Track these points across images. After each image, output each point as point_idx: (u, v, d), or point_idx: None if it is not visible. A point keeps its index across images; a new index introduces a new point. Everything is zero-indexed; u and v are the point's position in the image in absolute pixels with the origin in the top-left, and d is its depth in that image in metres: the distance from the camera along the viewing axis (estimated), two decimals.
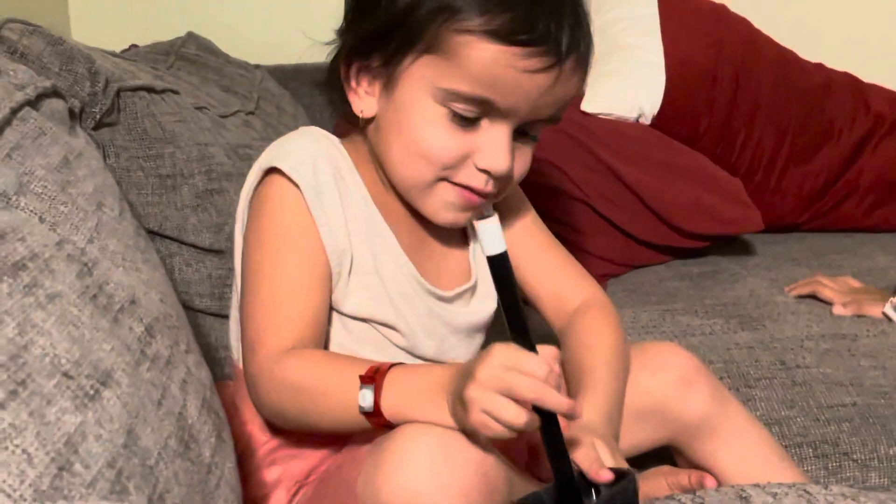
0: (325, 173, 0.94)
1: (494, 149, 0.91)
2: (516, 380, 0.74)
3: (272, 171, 0.93)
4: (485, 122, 0.91)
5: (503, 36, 0.86)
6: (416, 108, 0.91)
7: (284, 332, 0.89)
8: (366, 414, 0.81)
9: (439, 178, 0.93)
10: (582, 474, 0.82)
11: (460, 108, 0.89)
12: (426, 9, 0.89)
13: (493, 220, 0.78)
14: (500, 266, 0.79)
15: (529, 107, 0.90)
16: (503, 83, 0.88)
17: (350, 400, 0.82)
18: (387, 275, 0.97)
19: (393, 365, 0.83)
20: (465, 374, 0.77)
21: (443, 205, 0.95)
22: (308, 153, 0.94)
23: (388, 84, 0.93)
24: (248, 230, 0.95)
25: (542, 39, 0.87)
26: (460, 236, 1.06)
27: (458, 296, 1.02)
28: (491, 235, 0.78)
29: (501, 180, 0.94)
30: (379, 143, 0.96)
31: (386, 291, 0.96)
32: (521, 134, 0.94)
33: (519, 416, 0.74)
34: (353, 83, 0.96)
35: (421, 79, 0.90)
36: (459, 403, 0.77)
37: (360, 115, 0.96)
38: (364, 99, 0.96)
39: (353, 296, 0.95)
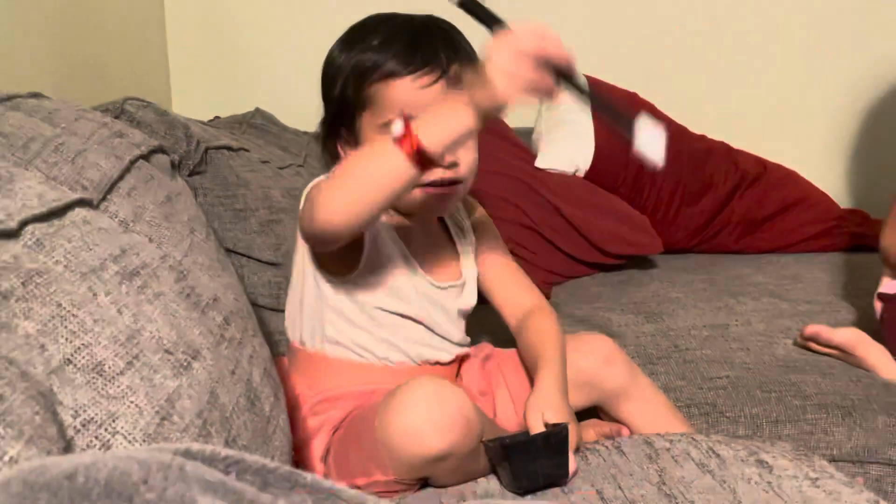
0: None
1: None
2: (523, 39, 0.71)
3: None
4: None
5: (393, 74, 0.89)
6: None
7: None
8: (399, 140, 0.75)
9: (413, 188, 0.90)
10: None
11: None
12: (349, 82, 0.92)
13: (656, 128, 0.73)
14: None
15: None
16: (413, 102, 0.87)
17: (385, 146, 0.77)
18: (398, 267, 0.96)
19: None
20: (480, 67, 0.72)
21: (425, 204, 0.94)
22: None
23: (357, 144, 0.94)
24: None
25: (423, 62, 0.89)
26: (451, 249, 1.05)
27: (450, 287, 1.01)
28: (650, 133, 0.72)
29: (453, 171, 0.92)
30: None
31: (395, 276, 0.96)
32: None
33: (534, 71, 0.70)
34: (343, 155, 0.97)
35: (370, 126, 0.92)
36: (479, 83, 0.71)
37: None
38: None
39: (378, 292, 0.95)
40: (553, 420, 0.85)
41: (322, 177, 0.94)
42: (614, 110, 0.74)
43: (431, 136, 0.74)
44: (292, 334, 1.00)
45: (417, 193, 0.92)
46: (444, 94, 0.88)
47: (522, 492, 0.80)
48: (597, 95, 0.73)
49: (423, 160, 0.75)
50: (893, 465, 1.08)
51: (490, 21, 0.75)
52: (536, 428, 0.86)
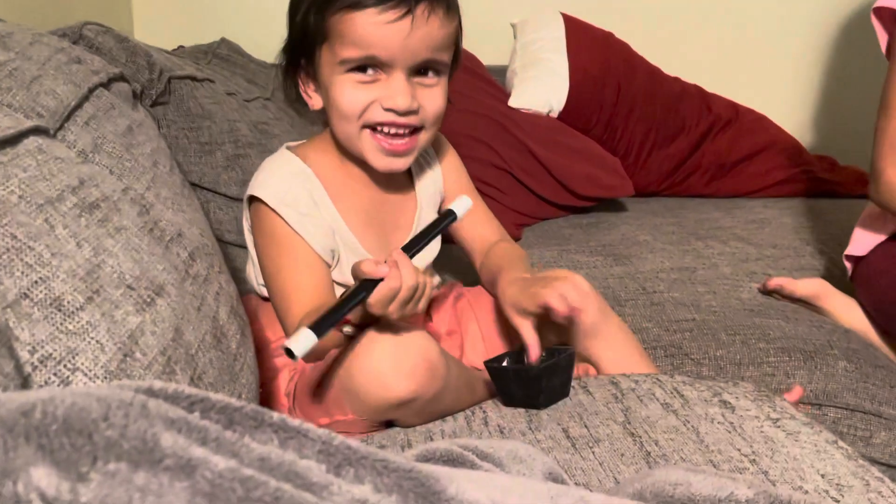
0: (303, 199, 0.91)
1: (393, 91, 0.86)
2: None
3: (260, 199, 0.90)
4: (381, 75, 0.87)
5: (359, 5, 0.84)
6: (333, 84, 0.88)
7: (296, 312, 0.87)
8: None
9: (362, 128, 0.89)
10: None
11: (354, 68, 0.86)
12: (311, 15, 0.87)
13: (468, 201, 0.85)
14: (446, 219, 0.84)
15: (404, 51, 0.85)
16: (374, 38, 0.84)
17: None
18: (349, 257, 0.94)
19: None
20: None
21: (371, 152, 0.90)
22: (286, 186, 0.91)
23: (316, 78, 0.91)
24: (256, 244, 0.93)
25: None
26: (411, 200, 1.02)
27: None
28: (464, 206, 0.84)
29: (414, 116, 0.88)
30: (330, 124, 0.93)
31: (349, 265, 0.94)
32: (421, 75, 0.89)
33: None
34: (303, 89, 0.94)
35: (328, 63, 0.88)
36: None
37: (313, 109, 0.94)
38: (313, 97, 0.93)
39: (335, 272, 0.94)
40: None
41: (257, 184, 0.91)
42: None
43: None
44: (251, 280, 0.99)
45: (368, 139, 0.89)
46: (411, 31, 0.84)
47: (542, 407, 0.84)
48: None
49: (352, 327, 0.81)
50: (850, 409, 1.11)
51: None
52: (525, 328, 0.89)
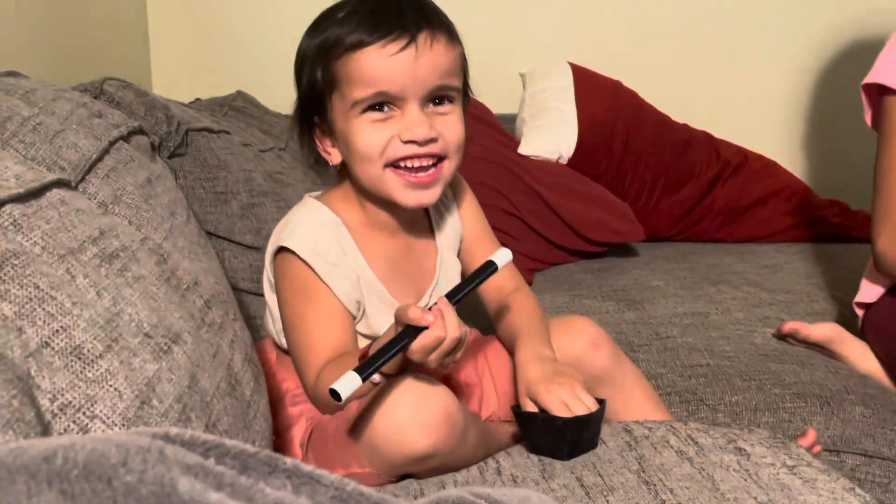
0: (332, 249, 0.90)
1: (409, 123, 0.86)
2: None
3: (288, 249, 0.89)
4: (395, 111, 0.87)
5: (359, 45, 0.84)
6: (349, 130, 0.88)
7: (317, 364, 0.86)
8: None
9: (385, 167, 0.88)
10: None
11: (368, 108, 0.86)
12: (316, 63, 0.88)
13: (509, 254, 0.85)
14: (486, 270, 0.84)
15: (413, 81, 0.85)
16: (381, 73, 0.84)
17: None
18: (376, 305, 0.94)
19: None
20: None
21: (398, 190, 0.88)
22: (316, 236, 0.90)
23: (332, 132, 0.91)
24: (280, 295, 0.92)
25: (389, 29, 0.84)
26: (431, 254, 1.01)
27: (426, 306, 0.99)
28: (504, 258, 0.84)
29: (434, 145, 0.87)
30: (351, 174, 0.92)
31: (377, 316, 0.94)
32: (435, 105, 0.88)
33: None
34: (321, 147, 0.93)
35: (341, 110, 0.88)
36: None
37: (333, 165, 0.93)
38: (331, 152, 0.93)
39: (360, 324, 0.94)
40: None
41: (286, 234, 0.90)
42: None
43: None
44: (271, 332, 0.99)
45: (393, 177, 0.88)
46: (416, 59, 0.84)
47: (566, 459, 0.83)
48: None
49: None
50: (868, 455, 1.10)
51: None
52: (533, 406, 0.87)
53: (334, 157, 0.93)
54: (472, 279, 0.84)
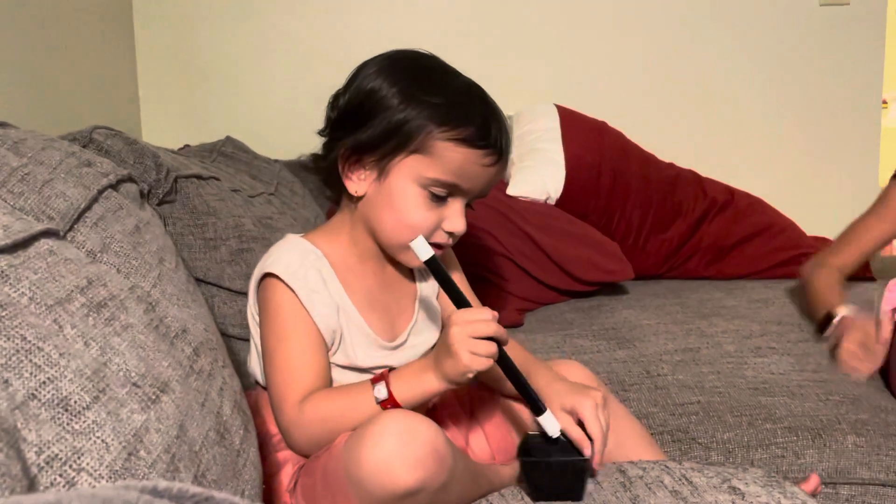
0: (312, 276, 0.93)
1: (457, 217, 0.94)
2: (477, 325, 0.82)
3: (271, 274, 0.93)
4: (451, 199, 0.93)
5: (470, 142, 0.90)
6: (405, 192, 0.92)
7: (297, 392, 0.89)
8: (381, 402, 0.85)
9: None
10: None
11: (437, 190, 0.92)
12: (415, 124, 0.90)
13: (418, 239, 0.86)
14: (434, 265, 0.87)
15: (481, 188, 0.95)
16: (469, 173, 0.92)
17: (367, 401, 0.85)
18: (354, 336, 0.96)
19: (390, 368, 0.89)
20: (441, 346, 0.84)
21: (412, 257, 0.92)
22: (297, 262, 0.93)
23: (381, 174, 0.93)
24: (262, 321, 0.94)
25: (493, 144, 0.92)
26: (410, 294, 1.04)
27: (403, 342, 1.01)
28: (422, 248, 0.86)
29: (457, 236, 0.96)
30: (370, 213, 0.95)
31: (354, 347, 0.96)
32: (466, 205, 0.96)
33: (490, 346, 0.82)
34: (349, 172, 0.95)
35: (409, 170, 0.91)
36: (447, 358, 0.83)
37: (355, 195, 0.95)
38: (358, 183, 0.95)
39: (337, 353, 0.95)
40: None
41: (269, 262, 0.93)
42: (524, 386, 0.88)
43: (406, 398, 0.86)
44: (255, 373, 0.99)
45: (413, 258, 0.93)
46: (495, 174, 0.94)
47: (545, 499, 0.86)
48: (514, 370, 0.88)
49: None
50: (864, 484, 1.09)
51: (458, 300, 0.87)
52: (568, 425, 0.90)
53: (359, 188, 0.95)
54: (440, 281, 0.89)
